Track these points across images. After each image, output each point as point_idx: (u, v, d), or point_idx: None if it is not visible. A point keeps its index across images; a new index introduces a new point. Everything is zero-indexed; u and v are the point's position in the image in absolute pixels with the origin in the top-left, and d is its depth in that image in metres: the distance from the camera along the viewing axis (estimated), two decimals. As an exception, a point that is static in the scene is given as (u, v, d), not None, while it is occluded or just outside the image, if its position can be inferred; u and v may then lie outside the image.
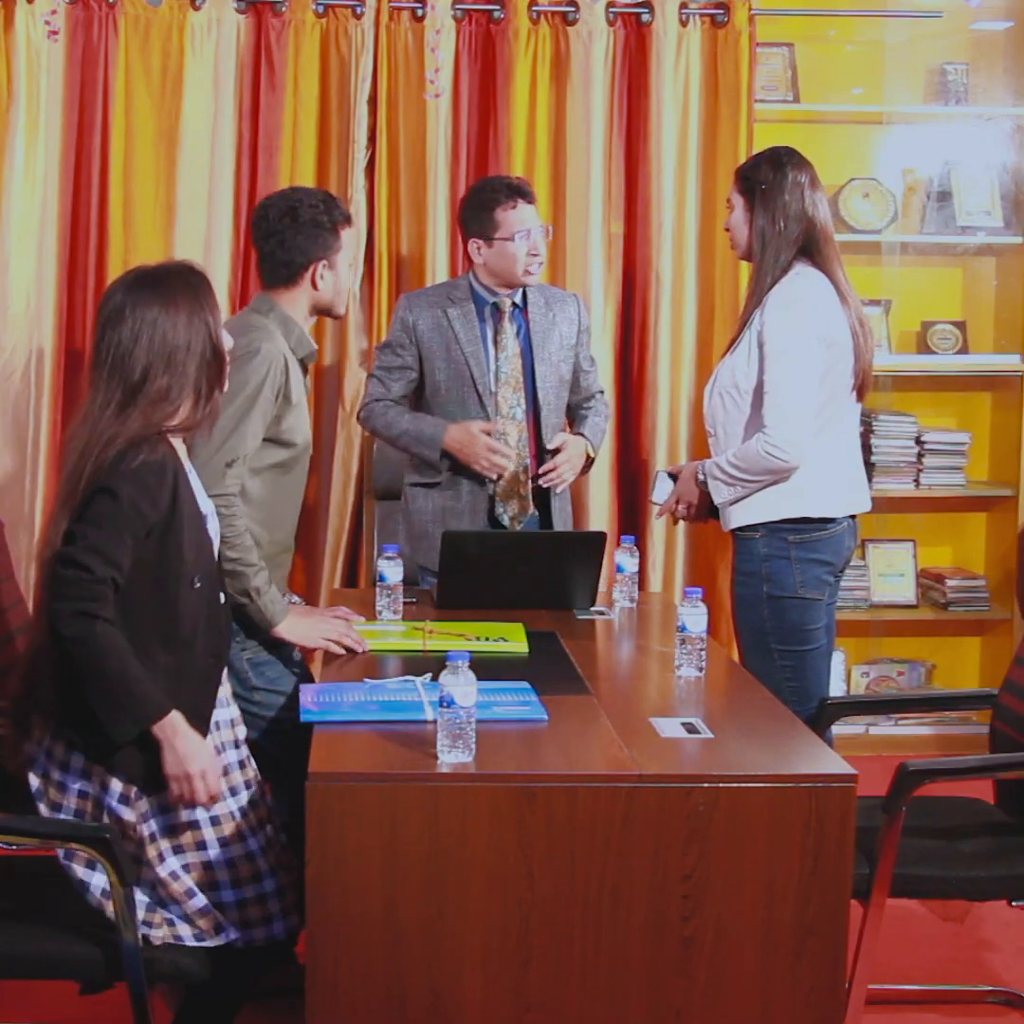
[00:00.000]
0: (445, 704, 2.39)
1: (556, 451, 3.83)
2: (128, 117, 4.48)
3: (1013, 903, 3.07)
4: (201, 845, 2.55)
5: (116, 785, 2.48)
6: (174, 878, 2.51)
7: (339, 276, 3.18)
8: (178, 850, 2.53)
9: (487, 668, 2.69)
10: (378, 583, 3.37)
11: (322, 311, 3.23)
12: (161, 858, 2.51)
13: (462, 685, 2.39)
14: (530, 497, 3.85)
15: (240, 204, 4.49)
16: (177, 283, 2.53)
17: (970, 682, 5.19)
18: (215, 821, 2.56)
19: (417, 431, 3.79)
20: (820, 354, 3.39)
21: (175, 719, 2.45)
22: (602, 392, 4.09)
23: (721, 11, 4.61)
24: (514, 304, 3.85)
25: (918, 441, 4.99)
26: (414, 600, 3.49)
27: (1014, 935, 3.61)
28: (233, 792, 2.62)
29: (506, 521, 3.82)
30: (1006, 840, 3.04)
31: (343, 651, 3.05)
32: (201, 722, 2.53)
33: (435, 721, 2.46)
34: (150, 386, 2.47)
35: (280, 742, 2.99)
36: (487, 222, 3.76)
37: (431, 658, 2.94)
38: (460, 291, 3.86)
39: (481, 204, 3.79)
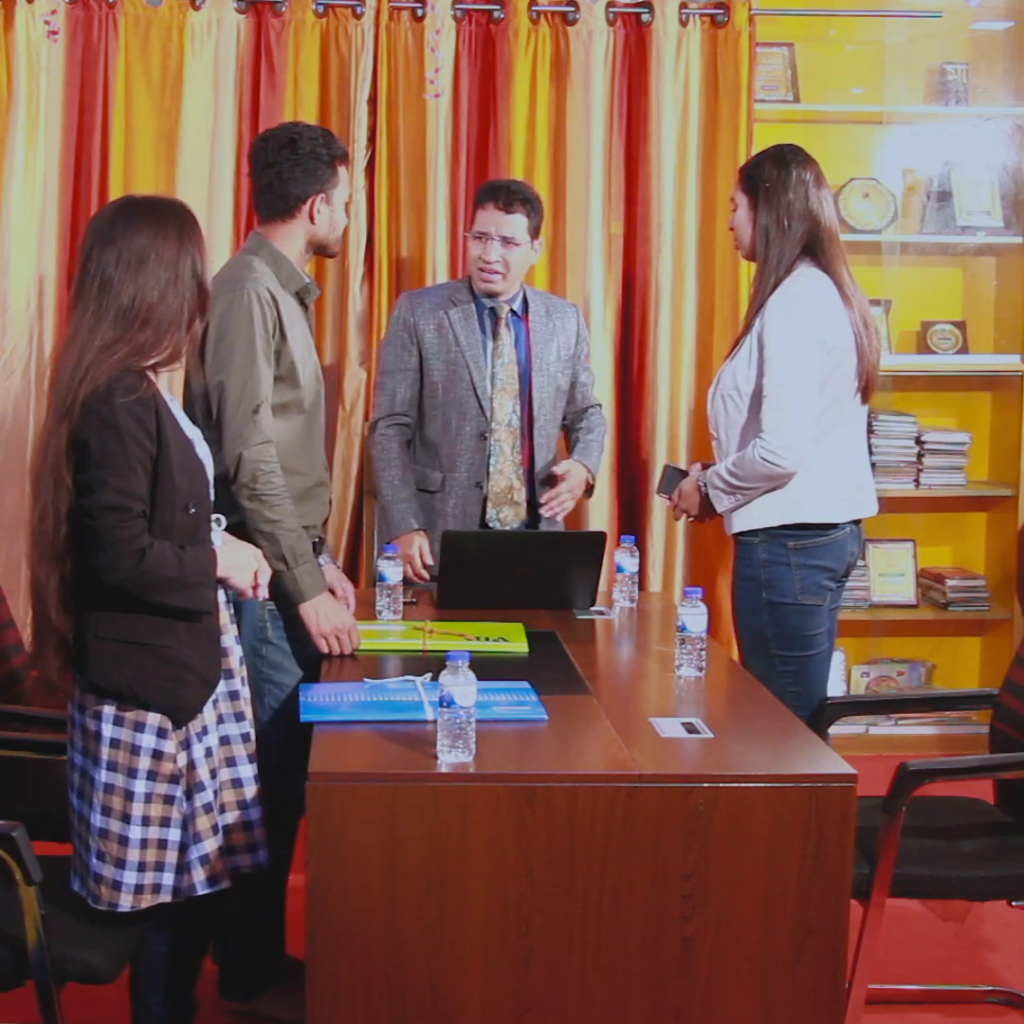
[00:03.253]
0: (445, 704, 2.39)
1: (557, 479, 3.79)
2: (128, 117, 4.48)
3: (1013, 903, 3.07)
4: (231, 761, 2.66)
5: (152, 720, 2.51)
6: (207, 810, 2.56)
7: (335, 212, 3.18)
8: (214, 773, 2.60)
9: (487, 668, 2.69)
10: (378, 583, 3.38)
11: (318, 248, 3.21)
12: (200, 786, 2.56)
13: (462, 685, 2.39)
14: (525, 504, 3.85)
15: (240, 204, 4.48)
16: (167, 213, 2.55)
17: (970, 682, 5.19)
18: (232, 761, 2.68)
19: (390, 504, 3.76)
20: (820, 358, 3.37)
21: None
22: (599, 406, 4.06)
23: (721, 11, 4.60)
24: (512, 311, 3.84)
25: (918, 441, 5.00)
26: (414, 600, 3.49)
27: (1014, 935, 3.61)
28: (231, 763, 2.66)
29: (497, 527, 3.81)
30: (1006, 840, 3.04)
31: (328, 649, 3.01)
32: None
33: (435, 721, 2.46)
34: (138, 307, 2.48)
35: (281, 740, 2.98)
36: (473, 218, 3.79)
37: (431, 658, 2.94)
38: (461, 294, 3.84)
39: (476, 199, 3.82)
